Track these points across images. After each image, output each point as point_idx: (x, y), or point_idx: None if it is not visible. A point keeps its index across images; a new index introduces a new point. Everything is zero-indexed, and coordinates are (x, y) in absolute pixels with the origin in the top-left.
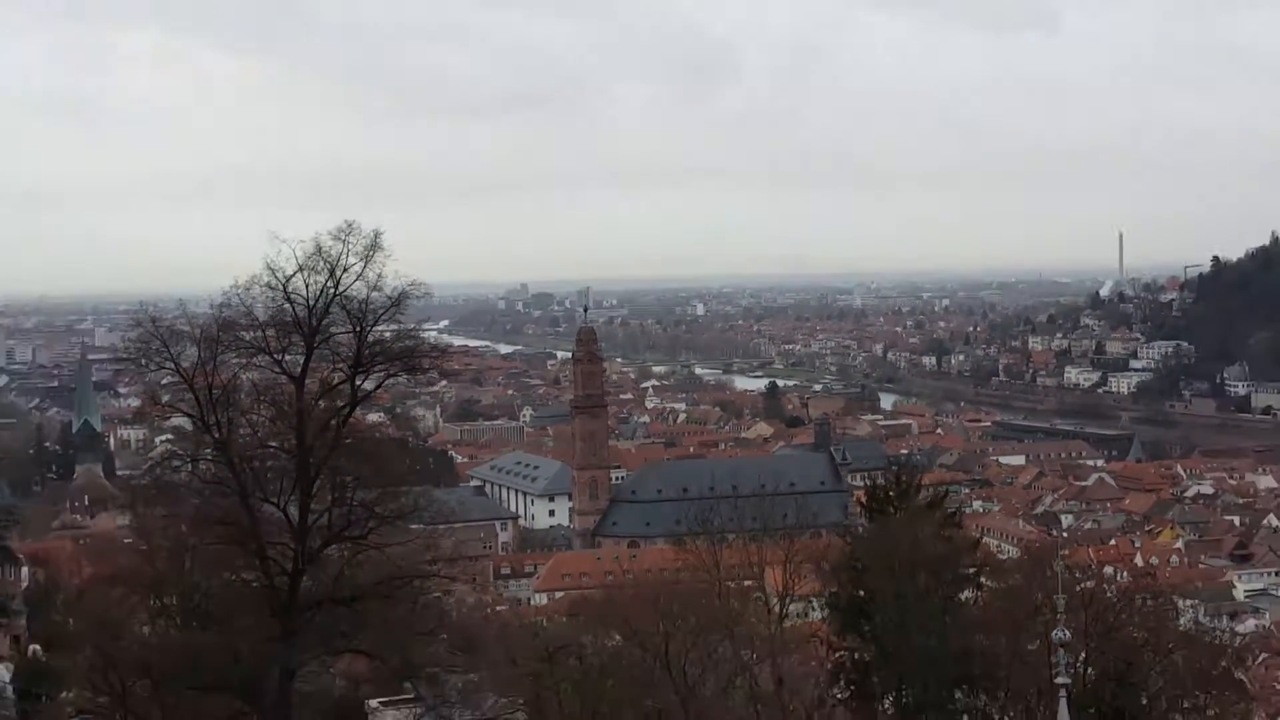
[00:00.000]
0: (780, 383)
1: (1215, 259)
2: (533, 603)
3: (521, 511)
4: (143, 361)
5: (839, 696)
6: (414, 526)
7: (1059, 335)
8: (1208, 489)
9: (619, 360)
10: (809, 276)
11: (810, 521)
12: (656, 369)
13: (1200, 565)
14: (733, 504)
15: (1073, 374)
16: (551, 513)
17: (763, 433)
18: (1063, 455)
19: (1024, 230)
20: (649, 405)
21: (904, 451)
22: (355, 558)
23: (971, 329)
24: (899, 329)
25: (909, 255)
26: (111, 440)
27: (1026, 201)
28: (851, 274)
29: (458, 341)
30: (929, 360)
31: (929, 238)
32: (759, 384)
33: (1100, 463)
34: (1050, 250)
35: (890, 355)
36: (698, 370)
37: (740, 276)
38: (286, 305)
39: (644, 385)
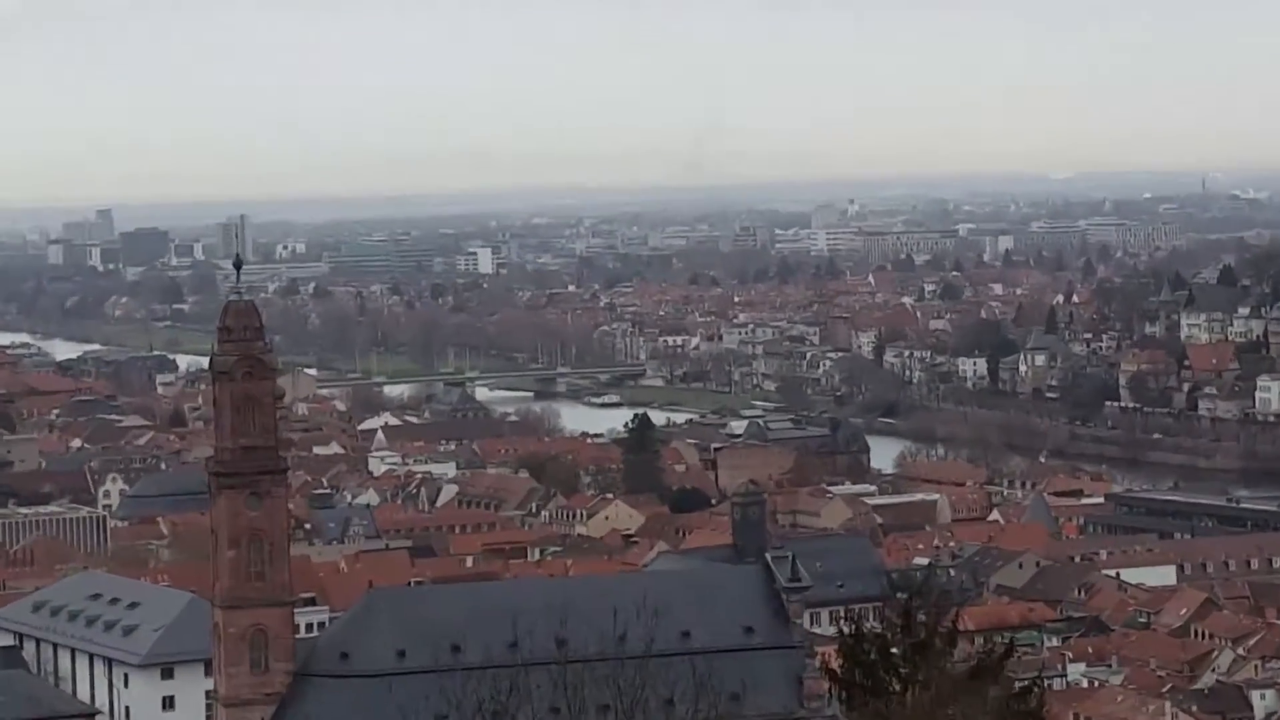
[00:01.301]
0: (662, 415)
1: None
2: None
3: (105, 703)
4: None
5: None
6: None
7: (1243, 311)
8: None
9: (312, 371)
10: (728, 186)
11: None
12: (393, 388)
13: None
14: (556, 678)
15: (1273, 393)
16: (169, 701)
17: (621, 523)
18: (1254, 562)
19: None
20: (378, 467)
21: (922, 560)
22: None
23: (1060, 299)
24: (907, 299)
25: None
26: None
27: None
28: (808, 176)
29: None
30: (971, 365)
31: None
32: (614, 417)
33: None
34: (1229, 141)
35: (892, 355)
36: (482, 391)
37: (579, 190)
38: None
39: (366, 424)
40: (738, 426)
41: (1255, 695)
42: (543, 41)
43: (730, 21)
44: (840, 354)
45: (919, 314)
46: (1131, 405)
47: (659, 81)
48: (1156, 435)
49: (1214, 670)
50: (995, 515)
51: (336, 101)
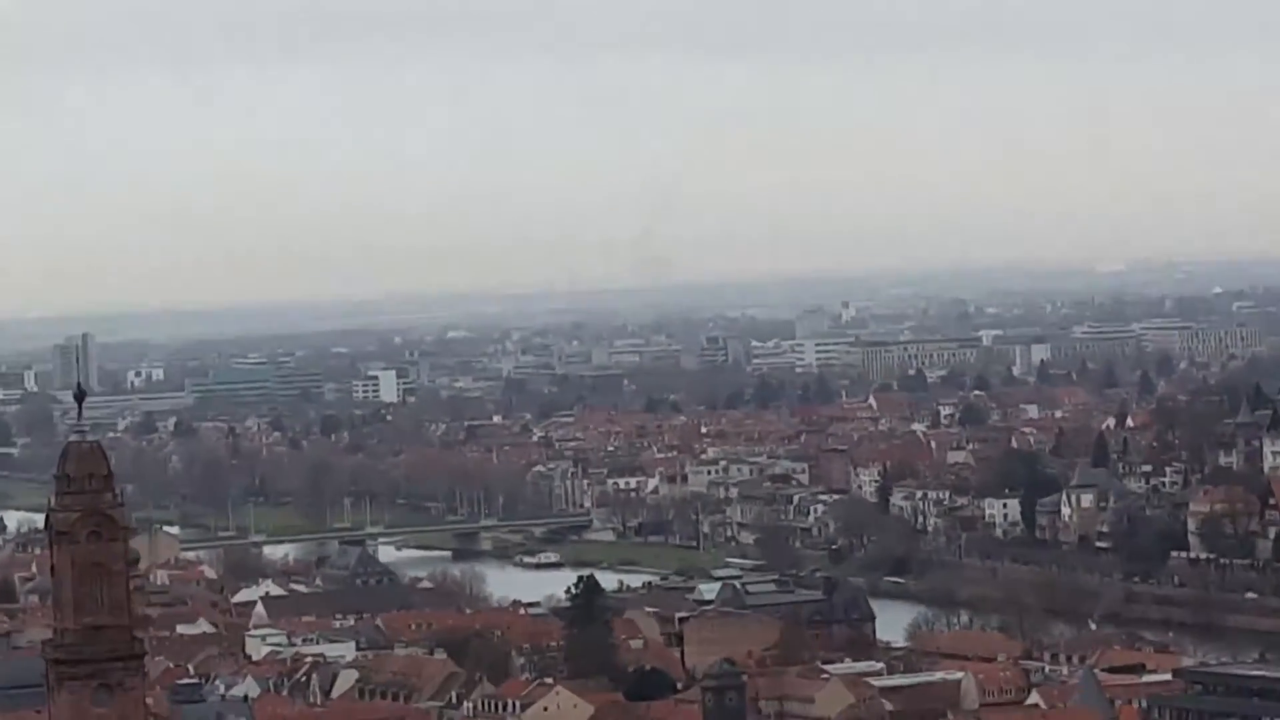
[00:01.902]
0: (613, 578)
1: None
2: None
3: None
4: None
5: None
6: None
7: None
8: None
9: (174, 530)
10: (691, 286)
11: None
12: (275, 549)
13: None
14: None
15: None
16: None
17: (565, 716)
18: None
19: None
20: (258, 649)
21: None
22: None
23: (1111, 423)
24: (918, 426)
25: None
26: None
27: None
28: (791, 271)
29: None
30: (1001, 508)
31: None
32: (554, 581)
33: None
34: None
35: (901, 497)
36: (387, 551)
37: (505, 294)
38: None
39: (243, 595)
40: (709, 591)
41: None
42: (458, 107)
43: (687, 69)
44: (836, 496)
45: (934, 444)
46: (1204, 556)
47: (601, 152)
48: (1236, 594)
49: None
50: (1035, 698)
51: (200, 189)
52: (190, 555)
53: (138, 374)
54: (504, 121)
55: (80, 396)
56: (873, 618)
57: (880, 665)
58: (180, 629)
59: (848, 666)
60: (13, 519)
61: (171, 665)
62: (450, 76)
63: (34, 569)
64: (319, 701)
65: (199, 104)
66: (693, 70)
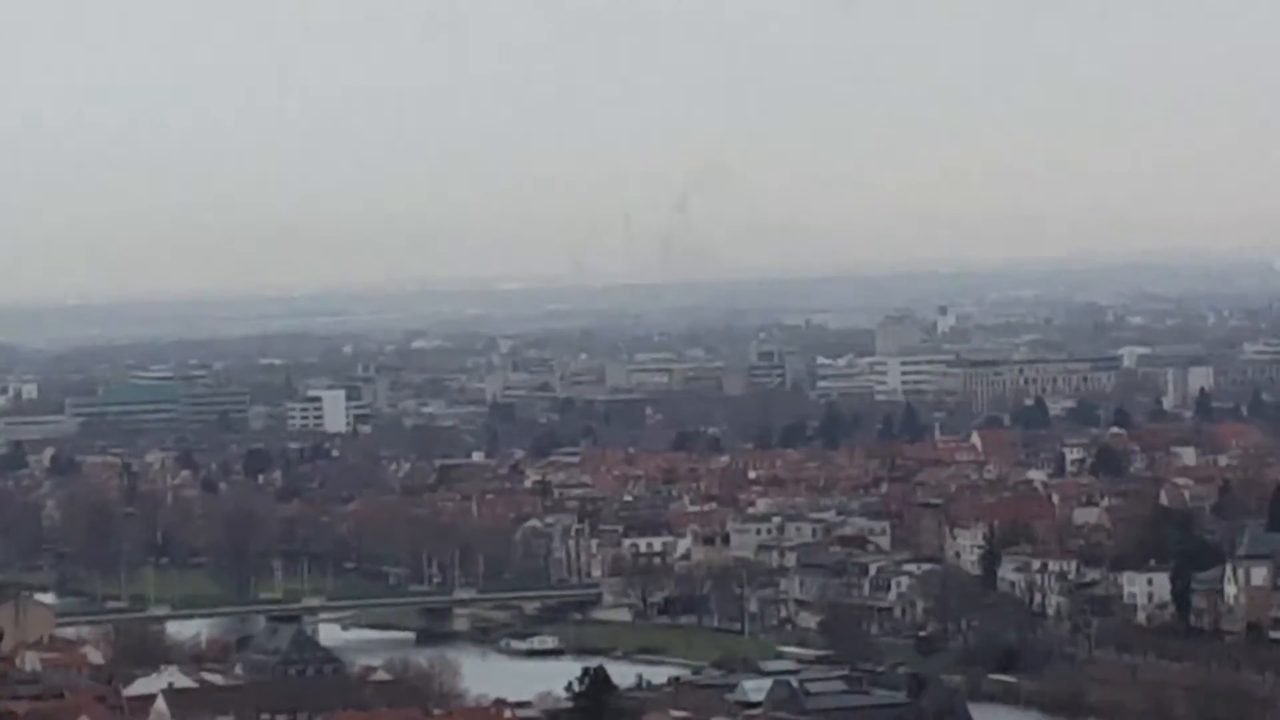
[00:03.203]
0: (630, 671)
1: None
2: None
3: None
4: None
5: None
6: None
7: None
8: None
9: (48, 599)
10: (736, 282)
11: None
12: (182, 627)
13: None
14: None
15: None
16: None
17: None
18: None
19: None
20: None
21: None
22: None
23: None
24: (1036, 474)
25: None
26: None
27: None
28: (869, 266)
29: None
30: (1146, 585)
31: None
32: (551, 674)
33: None
34: None
35: (1012, 569)
36: (330, 632)
37: (490, 292)
38: None
39: (138, 686)
40: (756, 690)
41: None
42: (444, 49)
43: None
44: (926, 567)
45: (1056, 499)
46: None
47: (624, 111)
48: None
49: None
50: None
51: (87, 154)
52: (70, 632)
53: (3, 391)
54: (497, 65)
55: None
56: None
57: None
58: None
59: None
60: None
61: None
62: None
63: None
64: None
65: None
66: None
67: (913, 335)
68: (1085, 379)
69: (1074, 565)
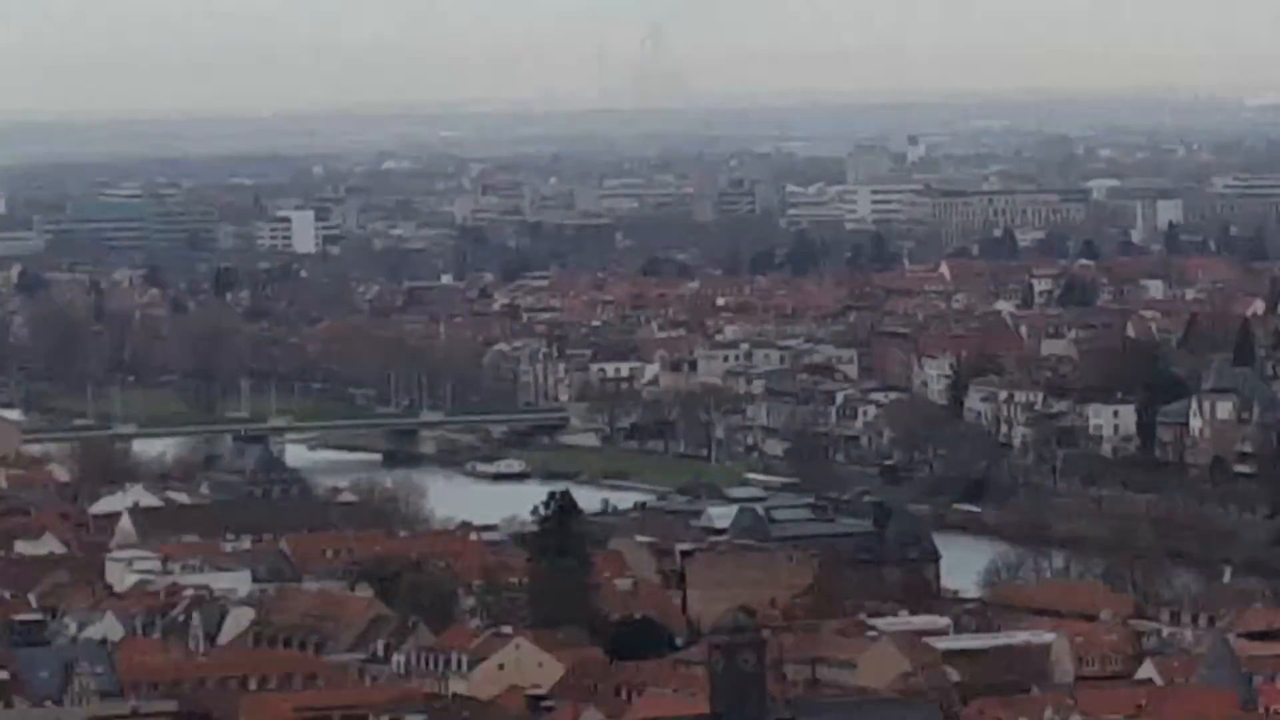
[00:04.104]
0: (596, 496)
1: None
2: None
3: None
4: None
5: None
6: None
7: None
8: None
9: (13, 415)
10: (708, 111)
11: None
12: (149, 445)
13: None
14: None
15: None
16: None
17: (526, 676)
18: None
19: None
20: (122, 579)
21: None
22: None
23: (1259, 307)
24: (1004, 305)
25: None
26: None
27: None
28: (841, 95)
29: None
30: (1112, 417)
31: None
32: (517, 498)
33: None
34: None
35: (979, 399)
36: (296, 452)
37: (461, 114)
38: None
39: (104, 504)
40: (721, 517)
41: None
42: None
43: None
44: (893, 396)
45: (1024, 330)
46: None
47: None
48: None
49: None
50: (1148, 670)
51: None
52: (35, 449)
53: None
54: None
55: None
56: (937, 558)
57: (945, 621)
58: (20, 547)
59: (903, 622)
60: None
61: (8, 596)
62: None
63: None
64: (201, 648)
65: None
66: None
67: (883, 164)
68: (1054, 210)
69: (1040, 396)
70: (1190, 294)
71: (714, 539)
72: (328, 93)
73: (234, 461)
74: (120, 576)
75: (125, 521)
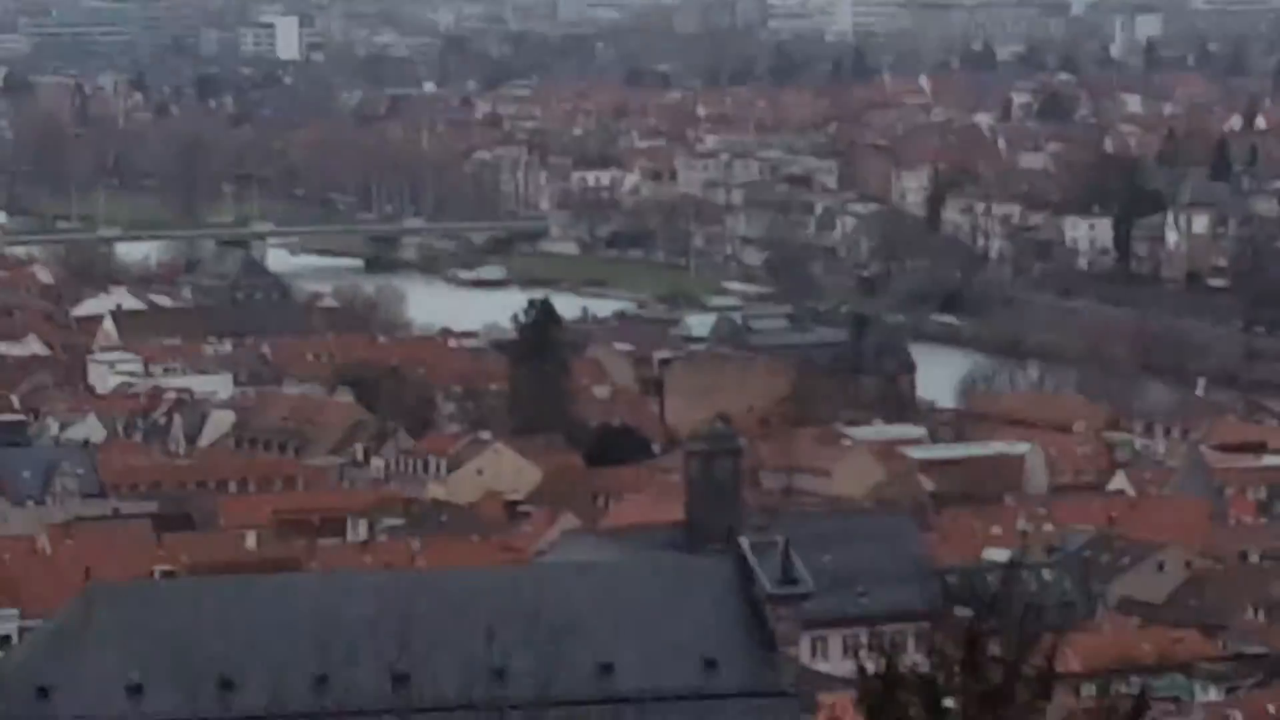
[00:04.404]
0: (575, 303)
1: None
2: None
3: None
4: None
5: None
6: None
7: None
8: None
9: None
10: None
11: None
12: (132, 249)
13: None
14: None
15: None
16: None
17: (504, 482)
18: None
19: None
20: (104, 380)
21: (998, 554)
22: None
23: (1238, 123)
24: (982, 117)
25: None
26: None
27: None
28: None
29: None
30: (1088, 230)
31: None
32: (496, 304)
33: None
34: None
35: (956, 210)
36: (278, 257)
37: None
38: None
39: (86, 306)
40: (700, 325)
41: None
42: None
43: None
44: (871, 207)
45: (1002, 143)
46: None
47: None
48: None
49: None
50: (1121, 481)
51: None
52: (19, 251)
53: None
54: None
55: None
56: (913, 368)
57: (921, 431)
58: (3, 348)
59: (878, 430)
60: None
61: None
62: None
63: None
64: (182, 450)
65: None
66: None
67: None
68: (1033, 24)
69: (1018, 209)
70: (1168, 109)
71: (692, 347)
72: None
73: (216, 266)
74: (102, 378)
75: (108, 324)
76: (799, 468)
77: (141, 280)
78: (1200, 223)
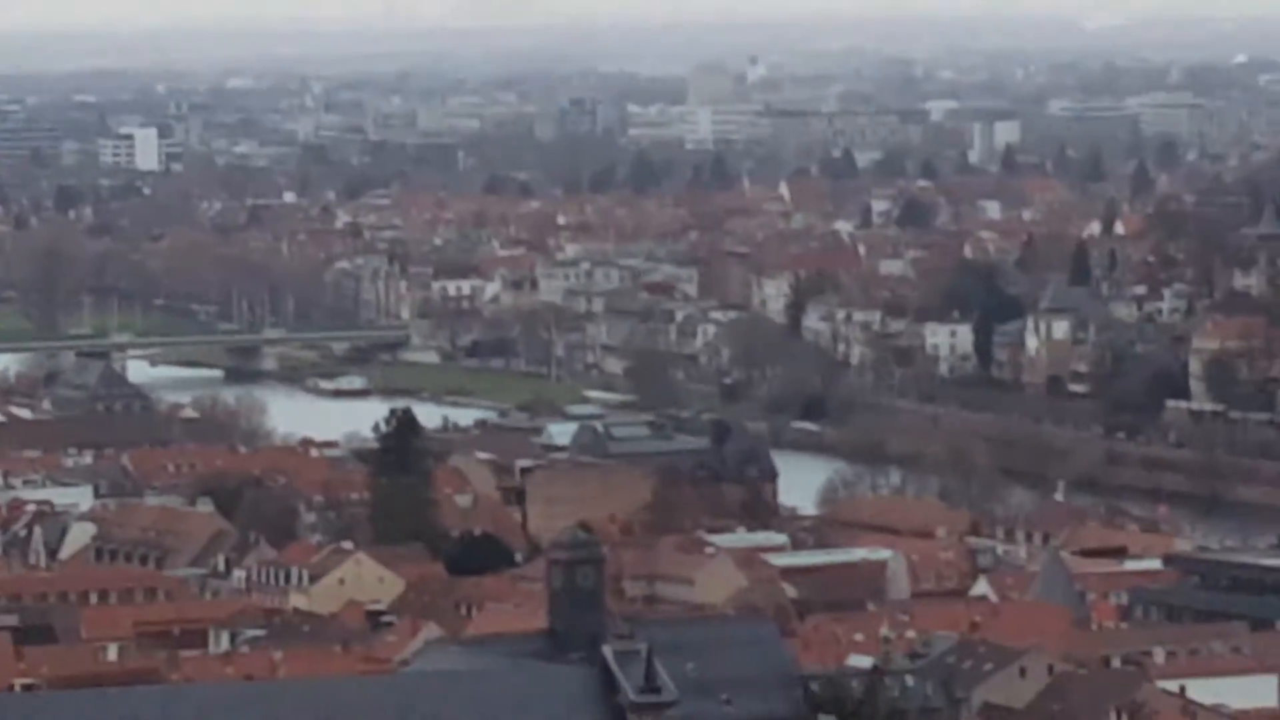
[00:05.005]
0: (436, 412)
1: None
2: None
3: None
4: None
5: None
6: None
7: None
8: None
9: None
10: (550, 29)
11: None
12: None
13: None
14: None
15: None
16: None
17: (366, 592)
18: None
19: None
20: None
21: (862, 661)
22: None
23: (1095, 228)
24: (842, 224)
25: None
26: None
27: None
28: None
29: None
30: (949, 336)
31: None
32: (358, 414)
33: None
34: None
35: (817, 318)
36: (139, 368)
37: (304, 32)
38: None
39: None
40: (561, 434)
41: None
42: None
43: None
44: (732, 315)
45: (863, 250)
46: (1210, 408)
47: None
48: (1249, 458)
49: None
50: (983, 587)
51: None
52: None
53: None
54: None
55: None
56: (775, 475)
57: (783, 538)
58: None
59: (740, 538)
60: None
61: None
62: None
63: None
64: (43, 562)
65: None
66: None
67: (723, 84)
68: (893, 131)
69: (878, 316)
70: (1027, 214)
71: (554, 456)
72: (172, 7)
73: (76, 377)
74: None
75: None
76: (661, 576)
77: (1, 393)
78: (1060, 328)
